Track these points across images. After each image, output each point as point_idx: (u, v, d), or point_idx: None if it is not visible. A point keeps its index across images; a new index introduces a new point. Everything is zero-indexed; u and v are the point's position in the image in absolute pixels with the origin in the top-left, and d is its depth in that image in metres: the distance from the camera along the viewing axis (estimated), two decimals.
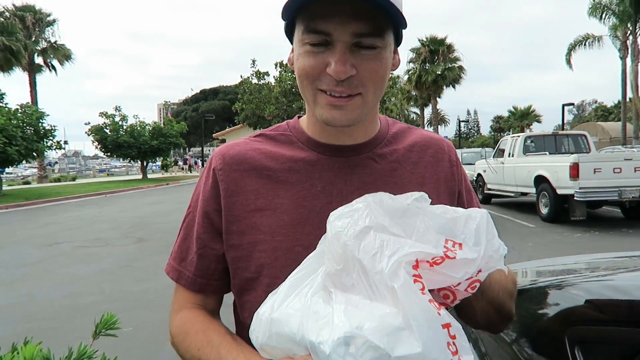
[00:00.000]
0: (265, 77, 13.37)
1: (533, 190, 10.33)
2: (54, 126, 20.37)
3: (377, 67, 0.74)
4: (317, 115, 0.77)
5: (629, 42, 26.72)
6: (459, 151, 20.69)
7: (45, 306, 5.12)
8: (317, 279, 0.65)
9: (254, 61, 13.19)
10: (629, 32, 26.57)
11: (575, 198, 8.71)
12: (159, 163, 44.21)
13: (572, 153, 10.33)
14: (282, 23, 0.79)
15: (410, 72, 37.70)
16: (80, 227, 11.06)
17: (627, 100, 28.42)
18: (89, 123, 29.91)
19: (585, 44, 28.19)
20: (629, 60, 26.87)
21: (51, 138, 20.26)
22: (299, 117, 0.91)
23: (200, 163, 42.26)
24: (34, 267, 7.01)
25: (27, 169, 41.76)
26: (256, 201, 0.80)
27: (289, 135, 0.86)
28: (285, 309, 0.64)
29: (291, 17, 0.75)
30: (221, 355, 0.73)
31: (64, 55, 31.57)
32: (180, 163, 48.71)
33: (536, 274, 1.40)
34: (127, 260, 7.24)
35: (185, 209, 0.91)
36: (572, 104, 32.83)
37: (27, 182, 29.52)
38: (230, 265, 0.83)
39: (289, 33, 0.79)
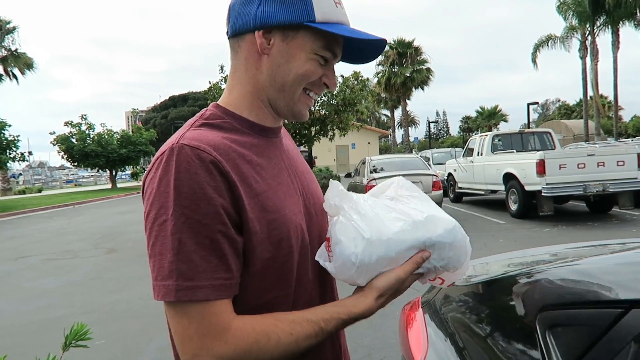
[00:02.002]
0: None
1: (502, 187, 10.56)
2: (17, 136, 19.75)
3: None
4: (294, 110, 0.89)
5: (587, 42, 27.67)
6: (429, 151, 21.00)
7: (12, 321, 4.95)
8: (368, 210, 0.87)
9: (222, 67, 13.09)
10: (587, 32, 27.52)
11: (542, 194, 8.93)
12: (129, 172, 43.38)
13: (538, 150, 10.60)
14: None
15: (379, 75, 38.08)
16: (48, 239, 10.74)
17: (589, 98, 29.41)
18: (54, 132, 29.18)
19: (548, 44, 29.05)
20: (588, 59, 27.82)
21: (14, 149, 19.63)
22: (217, 104, 0.91)
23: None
24: None
25: None
26: (256, 186, 0.82)
27: (229, 122, 0.88)
28: (376, 233, 0.84)
29: (300, 22, 0.83)
30: (319, 316, 0.81)
31: (25, 63, 30.60)
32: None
33: (506, 265, 1.43)
34: (97, 272, 7.06)
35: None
36: (537, 103, 33.71)
37: None
38: (247, 253, 0.80)
39: (268, 26, 0.85)
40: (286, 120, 0.96)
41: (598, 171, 8.87)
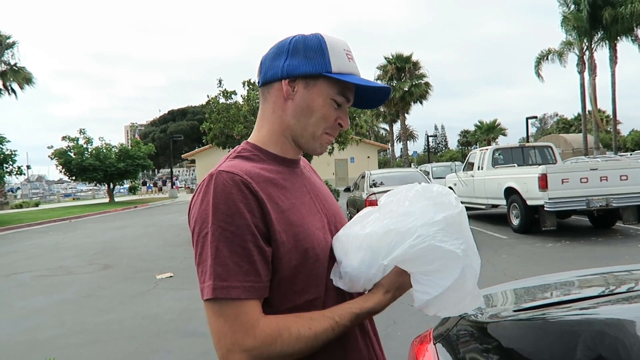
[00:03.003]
0: (233, 96, 13.20)
1: (503, 202, 10.43)
2: (14, 151, 19.65)
3: None
4: (314, 147, 1.06)
5: (585, 57, 27.78)
6: (429, 165, 20.90)
7: (1, 342, 4.76)
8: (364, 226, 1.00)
9: (220, 81, 13.02)
10: (585, 47, 27.64)
11: (545, 208, 8.80)
12: (127, 186, 43.23)
13: (539, 164, 10.49)
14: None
15: None
16: (42, 255, 10.55)
17: (587, 112, 29.44)
18: (52, 147, 29.05)
19: (548, 58, 29.18)
20: (586, 74, 27.91)
21: (11, 163, 19.52)
22: (248, 142, 1.09)
23: (170, 184, 41.45)
24: None
25: None
26: (282, 204, 0.97)
27: (257, 154, 1.05)
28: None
29: (319, 73, 1.01)
30: (334, 312, 0.94)
31: (24, 78, 30.61)
32: (148, 186, 47.71)
33: (538, 296, 1.28)
34: (90, 289, 6.88)
35: (202, 230, 0.92)
36: (536, 117, 33.78)
37: None
38: (276, 260, 0.94)
39: (293, 75, 1.03)
40: None
41: (601, 185, 8.75)
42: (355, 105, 1.10)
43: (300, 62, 1.01)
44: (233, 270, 0.88)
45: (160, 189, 45.20)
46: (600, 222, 9.86)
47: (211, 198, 0.91)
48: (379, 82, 1.10)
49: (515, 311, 1.05)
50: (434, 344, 1.14)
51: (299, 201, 1.03)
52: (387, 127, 54.59)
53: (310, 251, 0.97)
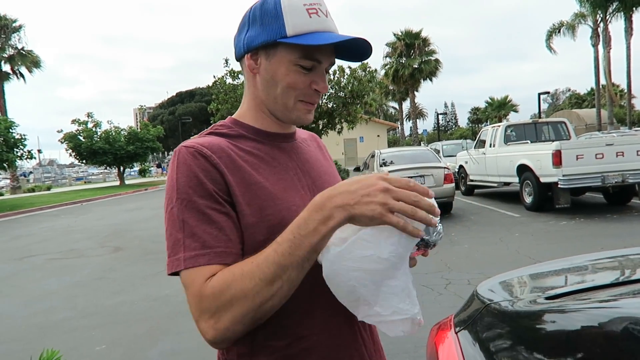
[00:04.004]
0: (240, 76, 13.03)
1: (516, 179, 10.26)
2: (24, 135, 19.72)
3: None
4: (292, 117, 0.99)
5: (600, 30, 27.06)
6: (439, 144, 20.65)
7: (14, 325, 4.80)
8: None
9: (226, 60, 12.85)
10: (599, 19, 26.91)
11: (559, 186, 8.63)
12: (137, 168, 43.47)
13: (553, 141, 10.28)
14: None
15: (387, 67, 37.66)
16: (54, 238, 10.64)
17: (600, 87, 28.83)
18: (62, 131, 29.17)
19: (560, 32, 28.49)
20: (600, 47, 27.23)
21: (21, 147, 19.61)
22: (230, 117, 1.06)
23: (162, 168, 41.63)
24: (2, 283, 6.64)
25: (0, 181, 40.56)
26: (249, 178, 0.92)
27: (237, 130, 1.01)
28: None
29: (274, 40, 0.93)
30: (277, 240, 0.82)
31: (32, 62, 30.61)
32: (163, 168, 48.02)
33: (580, 278, 1.18)
34: (102, 272, 6.91)
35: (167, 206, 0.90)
36: (548, 93, 33.19)
37: (0, 194, 28.61)
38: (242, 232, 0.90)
39: (254, 46, 0.96)
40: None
41: (617, 161, 8.54)
42: (342, 58, 1.00)
43: (257, 32, 0.95)
44: (202, 238, 0.85)
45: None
46: (615, 199, 9.68)
47: (174, 173, 0.90)
48: (348, 34, 0.91)
49: (547, 299, 0.96)
50: (456, 332, 1.05)
51: (276, 177, 0.97)
52: (396, 105, 54.07)
53: (278, 227, 0.86)
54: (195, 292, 0.82)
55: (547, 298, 0.97)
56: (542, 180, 9.14)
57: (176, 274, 0.86)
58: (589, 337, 0.77)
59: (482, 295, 1.10)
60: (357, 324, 0.97)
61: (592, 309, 0.86)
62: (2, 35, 29.70)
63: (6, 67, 30.46)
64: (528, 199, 9.81)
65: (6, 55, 30.03)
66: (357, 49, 0.97)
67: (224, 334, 0.81)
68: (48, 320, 4.86)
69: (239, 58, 1.02)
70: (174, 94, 65.00)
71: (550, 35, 28.97)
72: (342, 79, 13.77)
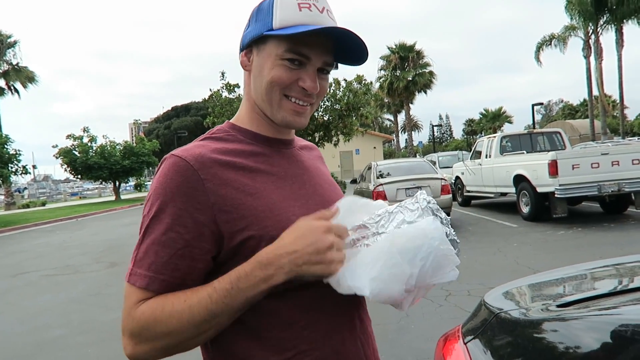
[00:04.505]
0: (236, 89, 13.06)
1: (513, 190, 10.27)
2: (19, 150, 19.67)
3: (326, 87, 0.98)
4: (278, 118, 0.94)
5: (591, 41, 27.37)
6: (434, 155, 20.70)
7: (8, 343, 4.71)
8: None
9: (223, 73, 12.87)
10: (591, 31, 27.23)
11: (556, 195, 8.65)
12: (132, 183, 43.32)
13: (548, 151, 10.32)
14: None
15: (381, 79, 37.88)
16: (49, 254, 10.53)
17: (593, 97, 29.07)
18: (57, 146, 29.08)
19: (551, 44, 28.79)
20: (592, 58, 27.51)
21: (16, 163, 19.53)
22: (227, 121, 1.03)
23: None
24: None
25: None
26: (244, 188, 0.88)
27: (234, 135, 0.97)
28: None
29: (260, 34, 0.91)
30: (216, 280, 0.82)
31: (27, 77, 30.61)
32: None
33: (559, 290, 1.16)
34: (97, 287, 6.82)
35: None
36: (542, 104, 33.42)
37: None
38: (236, 250, 0.85)
39: (249, 40, 0.95)
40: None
41: (613, 170, 8.57)
42: (339, 61, 0.96)
43: (251, 28, 0.94)
44: (150, 259, 0.83)
45: None
46: (612, 208, 9.70)
47: (156, 183, 0.88)
48: (331, 24, 0.89)
49: (559, 306, 0.93)
50: (465, 343, 1.03)
51: (274, 185, 0.93)
52: (391, 117, 54.29)
53: (276, 237, 0.85)
54: (127, 309, 0.83)
55: (558, 306, 0.95)
56: (539, 190, 9.15)
57: None
58: (610, 344, 0.75)
59: (491, 305, 1.08)
60: (360, 338, 0.94)
61: (609, 315, 0.84)
62: None
63: (1, 83, 30.43)
64: (525, 209, 9.81)
65: (1, 71, 30.02)
66: (353, 50, 0.93)
67: (141, 356, 0.83)
68: (43, 337, 4.77)
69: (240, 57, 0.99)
70: (170, 108, 65.08)
71: (539, 48, 29.24)
72: (337, 91, 13.83)
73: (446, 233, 0.84)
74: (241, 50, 0.97)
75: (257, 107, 0.97)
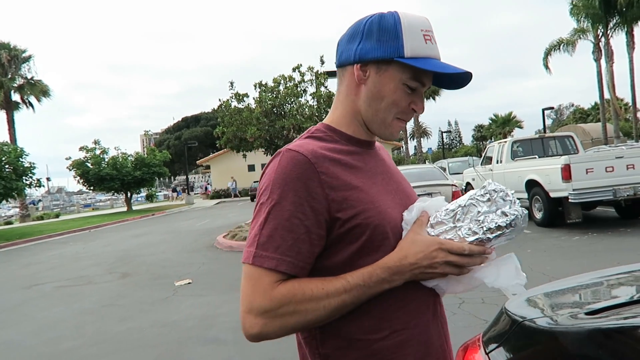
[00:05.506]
0: (245, 99, 13.12)
1: (525, 195, 10.15)
2: (33, 163, 19.92)
3: None
4: (385, 134, 1.05)
5: (601, 44, 27.14)
6: (444, 161, 20.59)
7: (23, 355, 4.74)
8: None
9: (232, 83, 12.93)
10: (600, 34, 27.01)
11: (570, 200, 8.53)
12: (144, 194, 43.62)
13: (561, 155, 10.20)
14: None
15: None
16: (63, 265, 10.60)
17: (605, 101, 28.76)
18: (70, 158, 29.40)
19: (560, 48, 28.57)
20: (603, 61, 27.26)
21: (30, 176, 19.75)
22: (323, 122, 1.11)
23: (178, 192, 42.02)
24: (11, 312, 6.58)
25: (10, 209, 40.73)
26: (351, 182, 0.98)
27: (330, 135, 1.06)
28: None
29: (391, 58, 0.99)
30: (348, 273, 0.94)
31: (41, 91, 31.04)
32: (178, 192, 48.57)
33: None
34: (110, 298, 6.84)
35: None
36: (552, 108, 33.16)
37: (10, 222, 28.70)
38: (343, 237, 0.96)
39: (363, 58, 1.02)
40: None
41: (628, 174, 8.44)
42: (436, 85, 1.09)
43: (372, 46, 1.00)
44: (276, 243, 0.92)
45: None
46: (628, 213, 9.53)
47: (274, 173, 0.96)
48: (458, 67, 0.99)
49: (588, 314, 0.90)
50: (487, 352, 1.00)
51: (370, 181, 1.03)
52: None
53: (380, 228, 0.97)
54: (260, 290, 0.91)
55: (587, 314, 0.92)
56: (552, 195, 9.04)
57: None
58: None
59: (513, 313, 1.05)
60: (440, 321, 1.08)
61: None
62: (13, 66, 30.19)
63: (16, 97, 30.87)
64: (538, 215, 9.69)
65: (16, 85, 30.47)
66: (457, 78, 1.04)
67: (267, 336, 0.92)
68: (57, 349, 4.79)
69: (343, 64, 1.05)
70: (180, 119, 65.60)
71: (547, 54, 28.98)
72: None
73: (521, 214, 0.93)
74: (354, 62, 1.02)
75: (359, 116, 1.06)
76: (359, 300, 0.94)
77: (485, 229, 0.91)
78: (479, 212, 0.93)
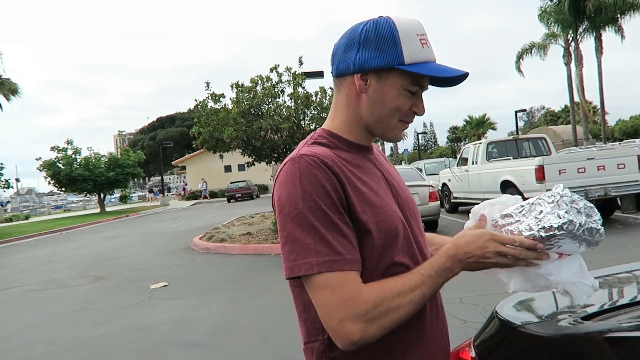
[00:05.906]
0: (222, 99, 12.95)
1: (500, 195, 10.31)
2: (1, 164, 19.39)
3: None
4: (390, 136, 1.08)
5: (571, 49, 27.82)
6: (421, 162, 20.81)
7: None
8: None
9: (208, 84, 12.75)
10: (570, 38, 27.69)
11: None
12: (117, 195, 42.78)
13: (534, 156, 10.41)
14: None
15: None
16: (33, 268, 10.29)
17: (575, 104, 29.50)
18: (40, 158, 28.63)
19: (531, 52, 29.18)
20: (573, 65, 27.94)
21: None
22: (323, 129, 1.12)
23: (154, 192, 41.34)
24: None
25: None
26: (360, 187, 1.00)
27: (333, 141, 1.07)
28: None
29: (391, 66, 1.00)
30: (417, 268, 0.98)
31: (9, 89, 30.01)
32: (155, 193, 47.64)
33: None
34: (83, 302, 6.66)
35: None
36: (525, 110, 33.86)
37: None
38: (359, 241, 0.97)
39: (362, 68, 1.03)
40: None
41: (599, 175, 8.66)
42: (432, 85, 1.09)
43: (371, 55, 1.00)
44: (333, 245, 0.91)
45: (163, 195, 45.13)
46: (599, 212, 9.76)
47: (297, 180, 0.95)
48: (455, 68, 1.03)
49: (583, 319, 0.90)
50: (480, 358, 0.98)
51: (375, 185, 1.05)
52: None
53: (390, 232, 1.00)
54: (348, 296, 0.89)
55: (583, 318, 0.91)
56: (526, 195, 9.19)
57: (297, 277, 0.93)
58: None
59: (505, 317, 1.04)
60: (442, 320, 1.12)
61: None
62: None
63: None
64: None
65: None
66: (454, 77, 1.05)
67: (367, 340, 0.90)
68: (27, 355, 4.62)
69: (341, 74, 1.06)
70: (155, 119, 64.61)
71: (519, 57, 29.54)
72: (324, 99, 13.83)
73: (580, 223, 0.95)
74: (354, 72, 1.03)
75: (362, 123, 1.07)
76: (431, 292, 0.96)
77: (540, 227, 0.95)
78: (541, 211, 0.98)
